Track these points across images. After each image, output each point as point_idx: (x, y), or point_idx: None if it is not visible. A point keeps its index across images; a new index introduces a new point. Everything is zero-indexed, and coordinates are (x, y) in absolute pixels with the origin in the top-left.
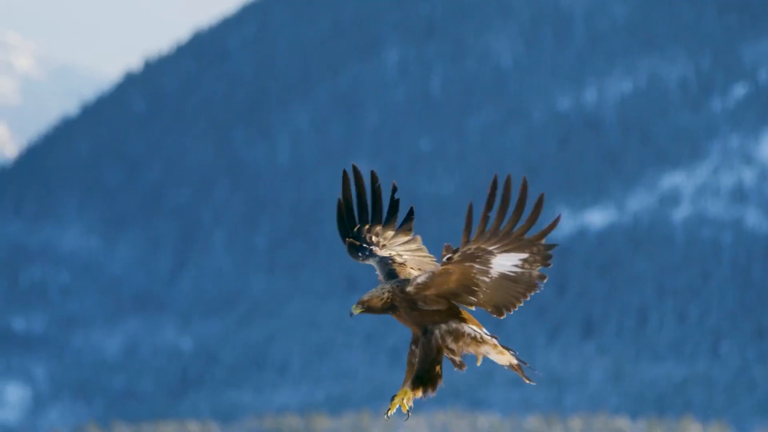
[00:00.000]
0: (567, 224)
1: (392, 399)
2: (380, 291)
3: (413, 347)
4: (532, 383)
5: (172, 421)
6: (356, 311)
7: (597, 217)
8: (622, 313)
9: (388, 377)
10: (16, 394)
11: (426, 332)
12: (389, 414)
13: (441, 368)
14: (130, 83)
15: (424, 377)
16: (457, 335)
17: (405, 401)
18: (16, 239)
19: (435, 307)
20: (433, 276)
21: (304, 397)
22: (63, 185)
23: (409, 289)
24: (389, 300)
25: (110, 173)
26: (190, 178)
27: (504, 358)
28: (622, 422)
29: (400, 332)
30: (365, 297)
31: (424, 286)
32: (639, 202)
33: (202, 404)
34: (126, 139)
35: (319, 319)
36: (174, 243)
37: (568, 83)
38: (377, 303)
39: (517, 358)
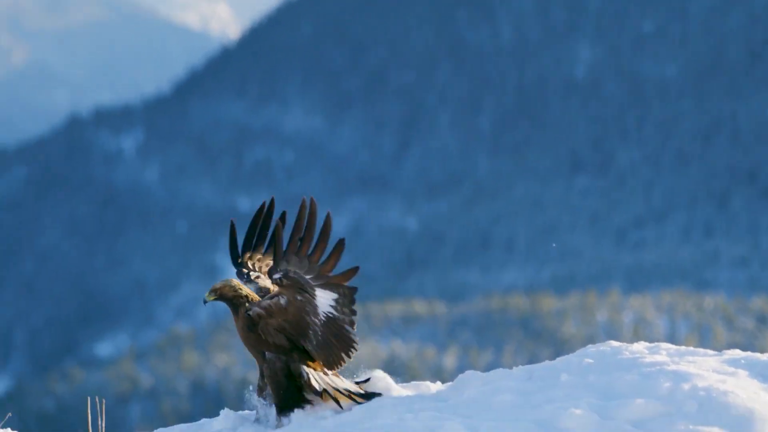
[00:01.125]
0: None
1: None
2: (235, 286)
3: (261, 383)
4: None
5: (399, 301)
6: (209, 299)
7: None
8: None
9: (614, 257)
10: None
11: (266, 360)
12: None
13: (301, 392)
14: None
15: (287, 405)
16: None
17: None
18: (240, 120)
19: (273, 341)
20: (271, 304)
21: (530, 277)
22: (286, 66)
23: (254, 310)
24: (243, 299)
25: (333, 54)
26: (413, 60)
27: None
28: None
29: (626, 212)
30: (217, 284)
31: (267, 311)
32: None
33: (429, 284)
34: (349, 21)
35: (544, 199)
36: (398, 124)
37: None
38: (229, 291)
39: (359, 395)
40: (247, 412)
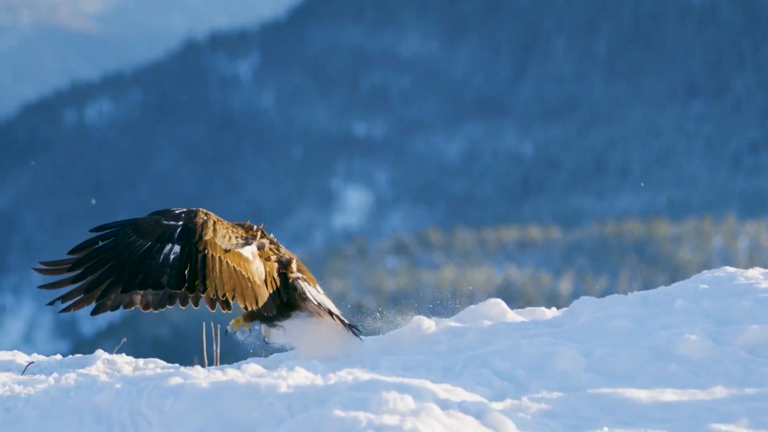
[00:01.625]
0: None
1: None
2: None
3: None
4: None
5: (514, 226)
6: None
7: None
8: None
9: (730, 183)
10: (358, 198)
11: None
12: (229, 330)
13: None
14: None
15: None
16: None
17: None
18: (356, 45)
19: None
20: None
21: (645, 202)
22: None
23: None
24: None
25: None
26: None
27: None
28: None
29: (741, 138)
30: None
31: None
32: None
33: (544, 209)
34: None
35: (659, 124)
36: (514, 48)
37: None
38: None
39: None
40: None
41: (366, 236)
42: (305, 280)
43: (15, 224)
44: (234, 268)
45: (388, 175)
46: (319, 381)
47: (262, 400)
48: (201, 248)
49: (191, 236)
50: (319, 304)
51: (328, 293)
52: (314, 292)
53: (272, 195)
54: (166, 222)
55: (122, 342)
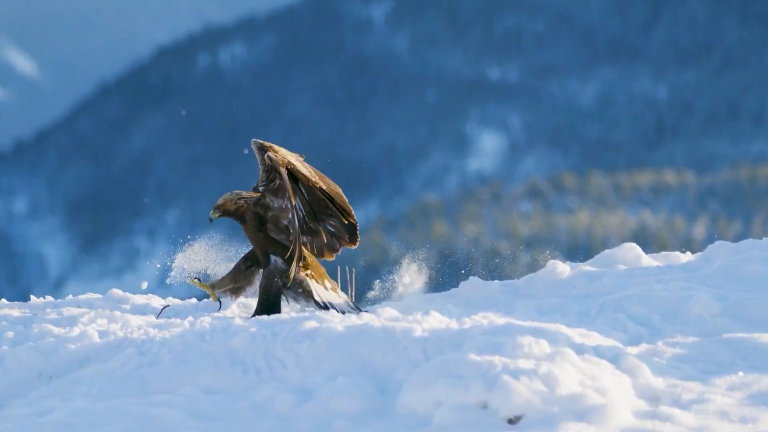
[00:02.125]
0: None
1: (199, 281)
2: (234, 196)
3: (250, 266)
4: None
5: (648, 171)
6: (214, 216)
7: None
8: None
9: None
10: (492, 142)
11: (267, 268)
12: (194, 282)
13: (279, 304)
14: None
15: (266, 310)
16: (287, 276)
17: (209, 292)
18: None
19: (278, 236)
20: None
21: None
22: None
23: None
24: (242, 208)
25: None
26: None
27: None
28: None
29: None
30: (219, 201)
31: (271, 192)
32: None
33: (678, 154)
34: None
35: None
36: None
37: None
38: (230, 206)
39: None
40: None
41: (500, 180)
42: (312, 277)
43: (149, 168)
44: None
45: (522, 119)
46: (454, 325)
47: (397, 344)
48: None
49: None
50: (324, 303)
51: (463, 238)
52: (320, 289)
53: (406, 139)
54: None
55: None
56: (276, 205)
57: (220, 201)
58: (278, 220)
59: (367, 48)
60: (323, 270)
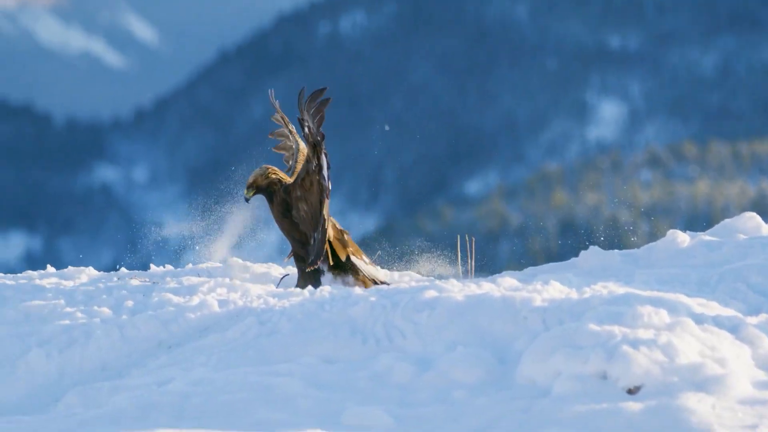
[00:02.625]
0: None
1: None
2: (264, 171)
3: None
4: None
5: None
6: (249, 195)
7: None
8: None
9: None
10: (612, 111)
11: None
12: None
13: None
14: None
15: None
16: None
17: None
18: None
19: (303, 227)
20: (300, 176)
21: None
22: None
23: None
24: (275, 186)
25: None
26: None
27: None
28: None
29: None
30: (249, 179)
31: (300, 182)
32: None
33: None
34: None
35: None
36: None
37: None
38: (261, 182)
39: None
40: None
41: (620, 149)
42: (353, 254)
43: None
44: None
45: (642, 87)
46: (573, 295)
47: (517, 313)
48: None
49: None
50: (371, 277)
51: (584, 207)
52: (362, 264)
53: (526, 107)
54: None
55: (377, 255)
56: (300, 200)
57: (250, 179)
58: (299, 212)
59: (488, 16)
60: (358, 247)
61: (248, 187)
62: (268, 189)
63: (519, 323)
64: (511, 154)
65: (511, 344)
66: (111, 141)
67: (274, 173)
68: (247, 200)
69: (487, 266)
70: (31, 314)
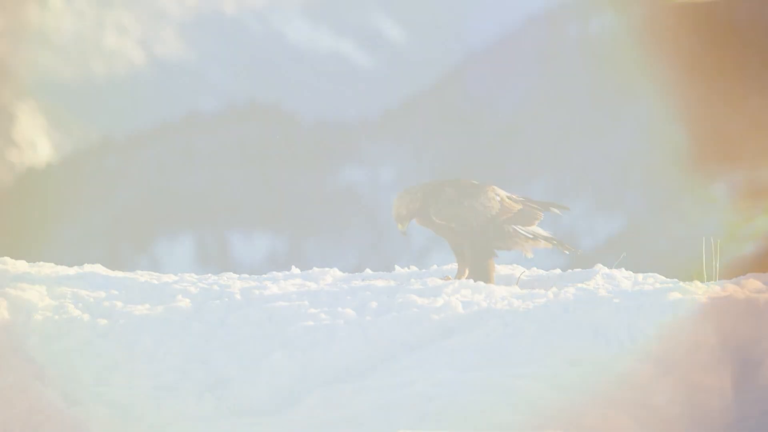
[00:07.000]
0: None
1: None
2: (406, 199)
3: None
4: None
5: None
6: (403, 228)
7: None
8: None
9: None
10: None
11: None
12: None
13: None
14: None
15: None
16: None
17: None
18: None
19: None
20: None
21: None
22: None
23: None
24: (416, 208)
25: None
26: None
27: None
28: None
29: None
30: (393, 212)
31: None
32: None
33: None
34: None
35: None
36: None
37: None
38: (404, 211)
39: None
40: None
41: None
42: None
43: (516, 138)
44: None
45: None
46: None
47: (761, 315)
48: None
49: None
50: (533, 235)
51: None
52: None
53: None
54: None
55: (622, 257)
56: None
57: (393, 212)
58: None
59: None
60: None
61: (399, 222)
62: (416, 213)
63: (763, 325)
64: None
65: (756, 346)
66: (358, 141)
67: (414, 195)
68: (404, 234)
69: (732, 270)
70: (275, 315)
